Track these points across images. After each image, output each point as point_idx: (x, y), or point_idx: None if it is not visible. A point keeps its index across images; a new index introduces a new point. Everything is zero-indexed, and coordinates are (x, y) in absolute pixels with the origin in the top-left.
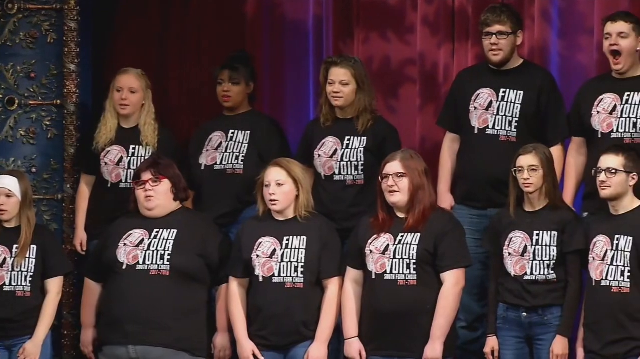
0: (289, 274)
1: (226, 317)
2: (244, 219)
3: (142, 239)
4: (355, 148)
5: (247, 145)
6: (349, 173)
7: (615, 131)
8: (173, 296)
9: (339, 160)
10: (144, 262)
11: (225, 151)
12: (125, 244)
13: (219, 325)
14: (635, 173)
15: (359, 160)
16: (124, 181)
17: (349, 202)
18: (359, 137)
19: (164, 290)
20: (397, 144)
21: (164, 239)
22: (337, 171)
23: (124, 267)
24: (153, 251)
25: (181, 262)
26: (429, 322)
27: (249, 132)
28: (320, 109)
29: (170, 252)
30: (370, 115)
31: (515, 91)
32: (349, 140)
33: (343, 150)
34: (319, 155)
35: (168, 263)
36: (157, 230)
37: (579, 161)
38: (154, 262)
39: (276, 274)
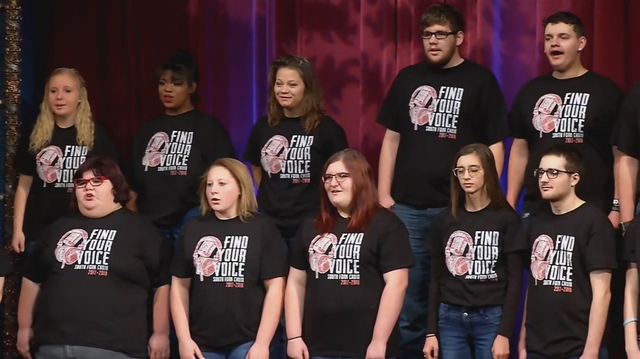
0: (229, 274)
1: (163, 319)
2: (187, 220)
3: (81, 239)
4: (302, 147)
5: (190, 146)
6: (296, 172)
7: (556, 131)
8: (111, 296)
9: (286, 158)
10: (82, 263)
11: (169, 153)
12: (64, 244)
13: (156, 327)
14: (576, 173)
15: (305, 159)
16: (59, 181)
17: (294, 200)
18: (306, 136)
19: (102, 290)
20: (344, 144)
21: (103, 239)
22: (283, 170)
23: (62, 267)
24: (92, 251)
25: (119, 263)
26: (372, 322)
27: (192, 133)
28: (269, 108)
29: (109, 253)
30: (317, 115)
31: (456, 89)
32: (296, 139)
33: (290, 148)
34: (266, 153)
35: (106, 264)
36: (97, 230)
37: (521, 162)
38: (93, 262)
39: (217, 274)
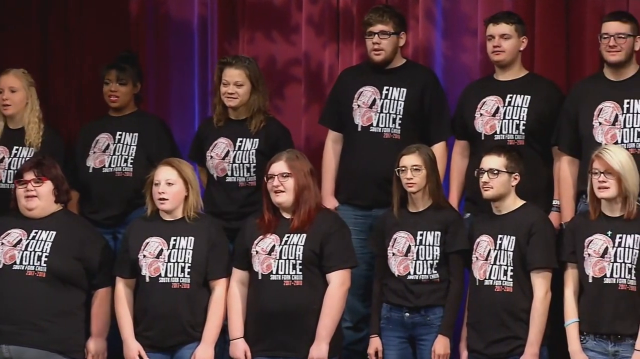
0: (175, 275)
1: (101, 321)
2: (131, 221)
3: (20, 239)
4: (247, 150)
5: (135, 147)
6: (241, 175)
7: (498, 132)
8: (48, 297)
9: (231, 162)
10: (20, 263)
11: (114, 154)
12: (2, 244)
13: (93, 330)
14: (517, 173)
15: (251, 162)
16: (3, 182)
17: (241, 203)
18: (251, 139)
19: (39, 291)
20: (290, 145)
21: (42, 240)
22: (229, 173)
23: (0, 267)
24: (30, 251)
25: (58, 265)
26: (315, 322)
27: (136, 134)
28: (214, 108)
29: (47, 254)
30: (263, 116)
31: (399, 89)
32: (241, 142)
33: (235, 152)
34: (211, 156)
35: (45, 265)
36: (36, 231)
37: (463, 163)
38: (31, 263)
39: (162, 275)
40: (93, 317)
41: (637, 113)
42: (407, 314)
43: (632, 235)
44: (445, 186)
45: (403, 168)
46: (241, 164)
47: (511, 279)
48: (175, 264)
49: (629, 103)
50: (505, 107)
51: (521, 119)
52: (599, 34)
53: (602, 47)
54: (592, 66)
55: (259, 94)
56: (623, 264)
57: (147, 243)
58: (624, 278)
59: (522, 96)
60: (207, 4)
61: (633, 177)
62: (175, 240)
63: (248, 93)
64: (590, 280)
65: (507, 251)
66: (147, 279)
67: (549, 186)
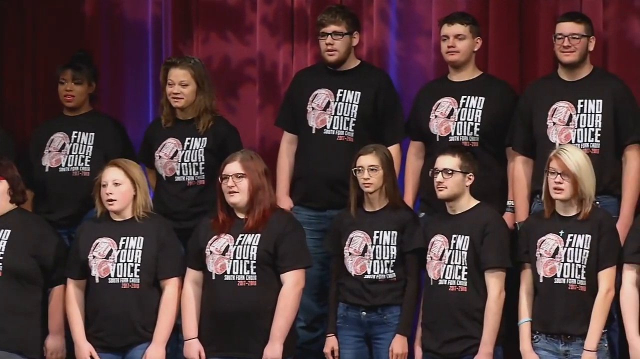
0: (125, 275)
1: (58, 319)
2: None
3: None
4: (195, 149)
5: (92, 147)
6: (190, 174)
7: (452, 134)
8: (6, 297)
9: (180, 161)
10: None
11: (70, 153)
12: None
13: (51, 327)
14: (471, 173)
15: (199, 161)
16: None
17: (190, 202)
18: (200, 138)
19: None
20: (238, 145)
21: None
22: (178, 172)
23: None
24: None
25: (14, 263)
26: (269, 322)
27: (93, 133)
28: (161, 109)
29: (2, 253)
30: (210, 115)
31: (353, 91)
32: (189, 141)
33: (184, 151)
34: (160, 156)
35: (0, 264)
36: None
37: (418, 164)
38: None
39: (112, 275)
40: (50, 315)
41: (591, 113)
42: (364, 313)
43: (583, 235)
44: (400, 187)
45: (360, 168)
46: (190, 163)
47: (465, 279)
48: (125, 264)
49: (582, 103)
50: (459, 109)
51: (475, 120)
52: (553, 34)
53: (556, 47)
54: (545, 66)
55: (205, 94)
56: (573, 265)
57: (97, 244)
58: (574, 278)
59: (476, 97)
60: (161, 5)
61: (589, 179)
62: (124, 240)
63: (194, 93)
64: (542, 280)
65: (461, 250)
66: (97, 280)
67: (502, 186)
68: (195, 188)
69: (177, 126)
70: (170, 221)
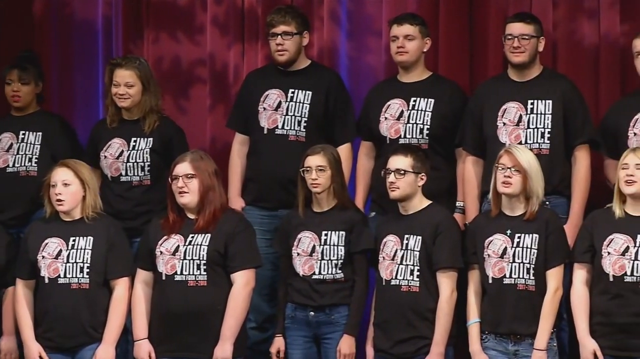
0: (74, 275)
1: (12, 320)
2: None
3: None
4: (141, 149)
5: (39, 146)
6: (136, 174)
7: (402, 136)
8: None
9: (125, 161)
10: None
11: (17, 153)
12: None
13: (4, 328)
14: (423, 173)
15: (145, 161)
16: None
17: (135, 202)
18: (145, 138)
19: None
20: (184, 145)
21: None
22: (123, 172)
23: None
24: None
25: None
26: (220, 322)
27: (40, 133)
28: (107, 109)
29: None
30: (156, 115)
31: (304, 91)
32: (135, 141)
33: (129, 151)
34: (105, 156)
35: None
36: None
37: (369, 164)
38: None
39: (62, 276)
40: (4, 315)
41: (541, 114)
42: (312, 313)
43: (531, 235)
44: (352, 187)
45: (308, 168)
46: (135, 164)
47: (417, 279)
48: (74, 264)
49: (532, 104)
50: (409, 111)
51: (425, 123)
52: (503, 35)
53: (506, 48)
54: (495, 67)
55: (151, 94)
56: (522, 264)
57: (46, 244)
58: (523, 278)
59: (426, 99)
60: (111, 4)
61: (538, 178)
62: (74, 240)
63: (139, 93)
64: (491, 281)
65: (413, 250)
66: (47, 281)
67: (451, 188)
68: (140, 188)
69: (122, 126)
70: (119, 221)
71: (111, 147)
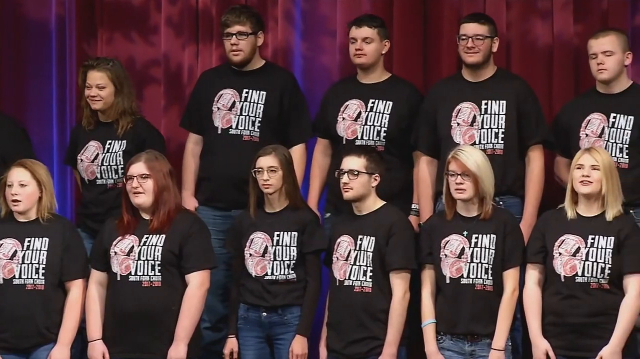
0: (29, 276)
1: None
2: None
3: None
4: (115, 152)
5: None
6: (110, 177)
7: (359, 138)
8: None
9: (100, 164)
10: None
11: None
12: None
13: None
14: (377, 174)
15: (118, 164)
16: None
17: (109, 204)
18: (119, 141)
19: None
20: (159, 146)
21: None
22: (98, 176)
23: None
24: None
25: None
26: (174, 323)
27: None
28: (82, 112)
29: None
30: (130, 117)
31: (258, 92)
32: (110, 144)
33: (104, 154)
34: (82, 160)
35: None
36: None
37: (325, 161)
38: None
39: (17, 276)
40: None
41: (495, 114)
42: (265, 314)
43: (488, 235)
44: (305, 187)
45: (259, 169)
46: (109, 166)
47: (370, 280)
48: (30, 265)
49: (486, 104)
50: (367, 113)
51: (382, 125)
52: (457, 35)
53: (460, 48)
54: (449, 67)
55: (124, 96)
56: (479, 265)
57: (1, 244)
58: (481, 278)
59: (384, 101)
60: (64, 4)
61: (489, 178)
62: (29, 241)
63: (112, 95)
64: (448, 281)
65: (366, 251)
66: (1, 281)
67: (406, 189)
68: (115, 191)
69: (98, 129)
70: (91, 224)
71: (87, 151)
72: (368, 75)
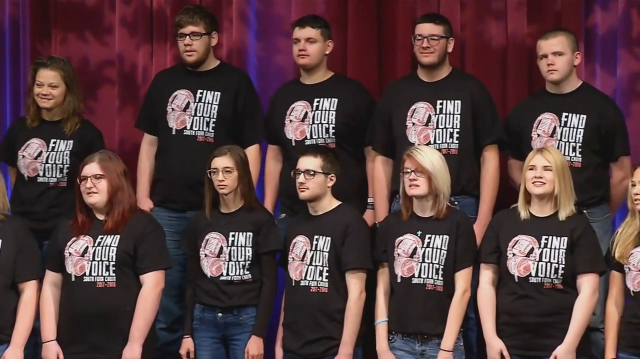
0: None
1: None
2: None
3: None
4: (61, 151)
5: None
6: (54, 175)
7: (309, 137)
8: None
9: (44, 162)
10: None
11: None
12: None
13: None
14: (333, 174)
15: (64, 163)
16: None
17: (49, 203)
18: (66, 141)
19: None
20: (103, 148)
21: None
22: (41, 173)
23: None
24: None
25: None
26: (128, 324)
27: None
28: (27, 109)
29: None
30: (77, 118)
31: (213, 92)
32: (54, 143)
33: (48, 152)
34: (23, 156)
35: None
36: None
37: (276, 167)
38: None
39: None
40: None
41: (450, 114)
42: (220, 314)
43: (441, 236)
44: (260, 188)
45: (214, 170)
46: (54, 165)
47: (327, 280)
48: None
49: (441, 104)
50: (313, 112)
51: (330, 122)
52: (412, 35)
53: (415, 48)
54: (404, 67)
55: (74, 96)
56: (431, 265)
57: None
58: (432, 278)
59: (329, 99)
60: (18, 4)
61: (443, 177)
62: None
63: (63, 95)
64: (399, 280)
65: (322, 251)
66: None
67: (361, 186)
68: (56, 189)
69: (42, 127)
70: (28, 222)
71: (30, 147)
72: (311, 76)
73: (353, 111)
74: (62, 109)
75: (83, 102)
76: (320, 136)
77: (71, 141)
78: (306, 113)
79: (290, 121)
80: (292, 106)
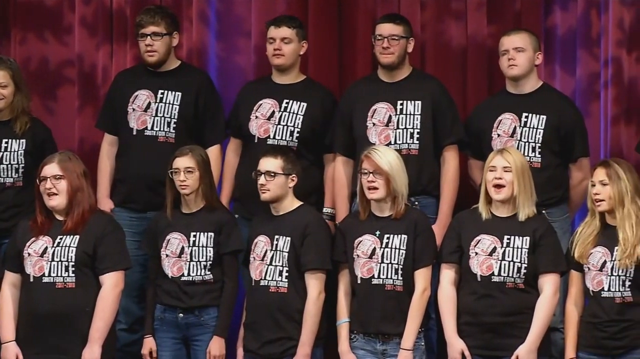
0: None
1: None
2: None
3: None
4: (15, 151)
5: None
6: (9, 176)
7: (272, 137)
8: None
9: None
10: None
11: None
12: None
13: None
14: (294, 175)
15: (19, 163)
16: None
17: (7, 203)
18: (18, 140)
19: None
20: (54, 146)
21: None
22: None
23: None
24: None
25: None
26: (88, 324)
27: None
28: None
29: None
30: (27, 117)
31: (173, 92)
32: (6, 143)
33: (2, 153)
34: None
35: None
36: None
37: (236, 160)
38: None
39: None
40: None
41: (410, 114)
42: (181, 314)
43: (399, 235)
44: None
45: (176, 170)
46: (9, 166)
47: (286, 280)
48: None
49: (402, 104)
50: (280, 113)
51: (296, 126)
52: (372, 35)
53: (376, 49)
54: (364, 68)
55: (23, 95)
56: (390, 265)
57: None
58: (391, 278)
59: (299, 102)
60: None
61: (402, 178)
62: None
63: (12, 94)
64: (359, 281)
65: (282, 251)
66: None
67: (319, 189)
68: (13, 189)
69: None
70: None
71: None
72: (283, 76)
73: (320, 116)
74: (11, 108)
75: (31, 100)
76: (284, 138)
77: (23, 140)
78: (273, 112)
79: (256, 117)
80: (260, 102)
